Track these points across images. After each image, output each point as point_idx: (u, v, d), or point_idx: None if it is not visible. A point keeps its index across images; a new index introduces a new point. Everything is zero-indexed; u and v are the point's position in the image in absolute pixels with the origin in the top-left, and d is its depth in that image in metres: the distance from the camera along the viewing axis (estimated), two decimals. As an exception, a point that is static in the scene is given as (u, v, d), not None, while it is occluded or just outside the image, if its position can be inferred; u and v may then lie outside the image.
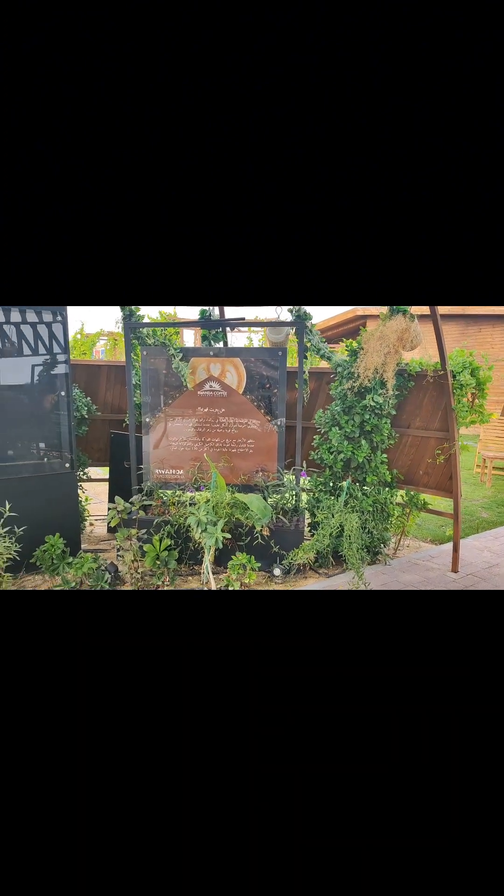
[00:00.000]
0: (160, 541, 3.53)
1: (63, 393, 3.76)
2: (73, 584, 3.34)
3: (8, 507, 3.38)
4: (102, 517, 4.93)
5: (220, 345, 4.49)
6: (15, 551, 3.32)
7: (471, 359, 3.87)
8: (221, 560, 3.83)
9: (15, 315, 3.54)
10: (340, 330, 13.20)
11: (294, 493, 4.07)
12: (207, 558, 3.47)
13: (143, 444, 4.25)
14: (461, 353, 4.00)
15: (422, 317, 3.96)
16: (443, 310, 7.04)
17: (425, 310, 3.90)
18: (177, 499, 4.07)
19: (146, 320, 4.35)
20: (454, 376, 3.86)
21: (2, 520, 3.34)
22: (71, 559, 3.45)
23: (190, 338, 9.93)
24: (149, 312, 7.08)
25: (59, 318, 3.71)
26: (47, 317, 3.66)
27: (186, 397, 4.20)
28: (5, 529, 3.33)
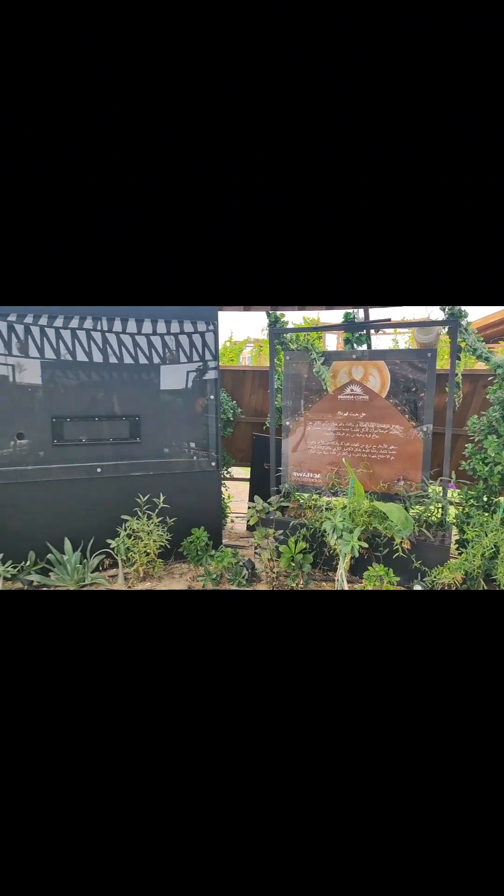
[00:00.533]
0: (295, 543, 3.55)
1: (212, 397, 4.03)
2: (214, 575, 3.55)
3: (162, 498, 3.74)
4: (242, 515, 5.17)
5: (364, 347, 4.35)
6: (167, 540, 3.65)
7: None
8: (357, 569, 3.71)
9: (174, 326, 3.90)
10: (497, 330, 11.87)
11: (440, 505, 3.74)
12: (342, 565, 3.39)
13: (282, 446, 4.33)
14: None
15: None
16: None
17: None
18: (313, 503, 4.06)
19: (290, 326, 4.42)
20: None
21: (157, 510, 3.70)
22: (213, 552, 3.67)
23: (332, 342, 9.86)
24: (293, 318, 7.21)
25: (211, 327, 3.98)
26: (201, 326, 3.96)
27: (326, 401, 4.16)
28: (159, 519, 3.69)
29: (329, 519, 3.51)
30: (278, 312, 4.39)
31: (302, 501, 4.17)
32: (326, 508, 3.92)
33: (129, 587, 3.58)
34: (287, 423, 4.26)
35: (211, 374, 4.12)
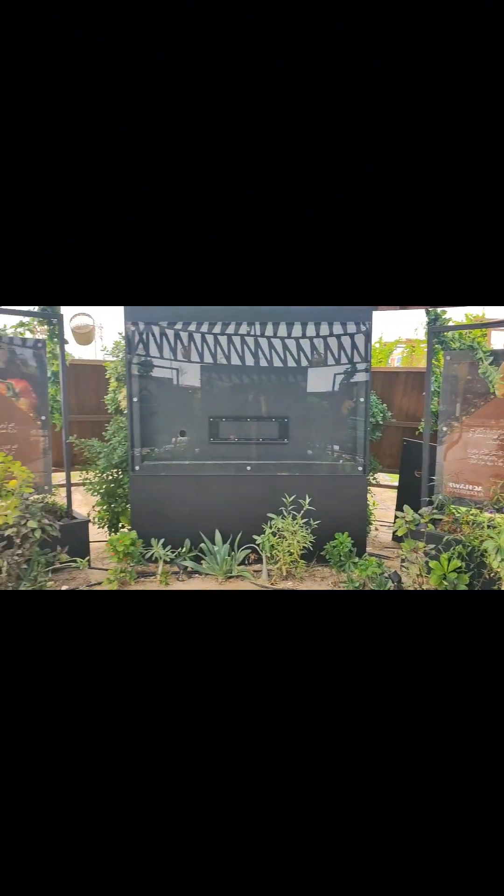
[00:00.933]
0: (449, 560, 3.24)
1: (362, 399, 3.89)
2: (357, 584, 3.43)
3: (307, 500, 3.74)
4: (387, 524, 4.92)
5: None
6: (310, 542, 3.65)
7: None
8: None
9: (324, 328, 3.87)
10: None
11: None
12: (507, 592, 2.97)
13: (436, 454, 4.00)
14: None
15: None
16: None
17: None
18: (472, 518, 3.66)
19: (451, 324, 4.06)
20: None
21: (302, 511, 3.72)
22: (357, 559, 3.54)
23: (500, 342, 8.83)
24: (454, 315, 6.59)
25: (363, 328, 3.86)
26: (351, 328, 3.86)
27: (493, 406, 3.72)
28: (304, 521, 3.70)
29: (492, 538, 3.12)
30: (439, 309, 4.05)
31: (458, 515, 3.79)
32: (489, 526, 3.50)
33: (273, 584, 3.67)
34: (444, 428, 3.92)
35: (361, 377, 3.99)
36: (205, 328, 3.79)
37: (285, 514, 3.81)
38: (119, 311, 3.86)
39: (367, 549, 4.37)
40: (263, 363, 3.86)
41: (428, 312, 3.93)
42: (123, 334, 3.84)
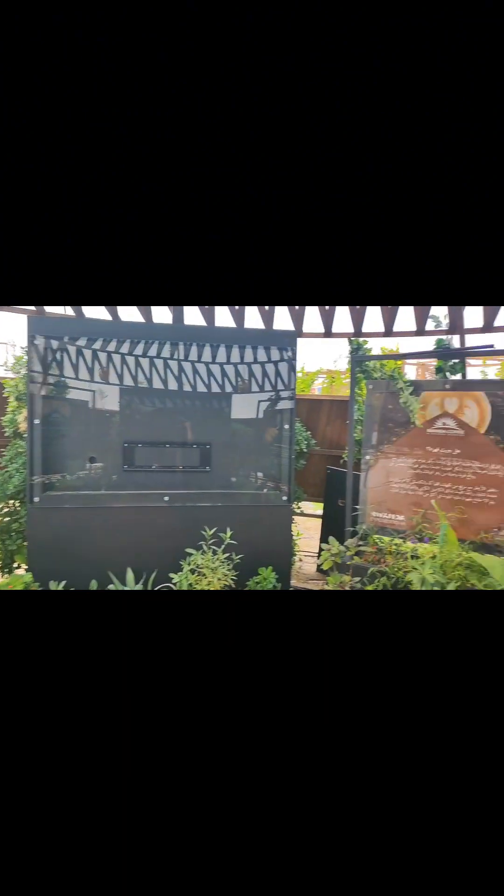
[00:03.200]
0: (379, 596, 3.05)
1: (287, 426, 3.69)
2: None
3: (229, 534, 3.40)
4: (311, 554, 4.71)
5: (459, 376, 3.85)
6: (232, 578, 3.29)
7: None
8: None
9: (248, 353, 3.65)
10: None
11: None
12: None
13: (360, 482, 3.87)
14: None
15: None
16: None
17: None
18: (395, 548, 3.55)
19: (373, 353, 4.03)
20: None
21: (223, 546, 3.37)
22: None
23: (412, 374, 9.30)
24: (375, 346, 6.80)
25: (287, 354, 3.69)
26: (276, 354, 3.67)
27: (414, 435, 3.69)
28: (225, 555, 3.35)
29: (416, 569, 2.99)
30: (360, 339, 4.02)
31: (382, 545, 3.66)
32: (412, 556, 3.39)
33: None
34: (367, 457, 3.82)
35: (286, 404, 3.81)
36: (125, 348, 3.40)
37: (205, 548, 3.44)
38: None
39: (292, 581, 4.10)
40: (184, 386, 3.53)
41: (350, 342, 3.88)
42: (26, 349, 3.33)
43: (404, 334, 4.47)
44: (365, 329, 4.69)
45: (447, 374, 4.02)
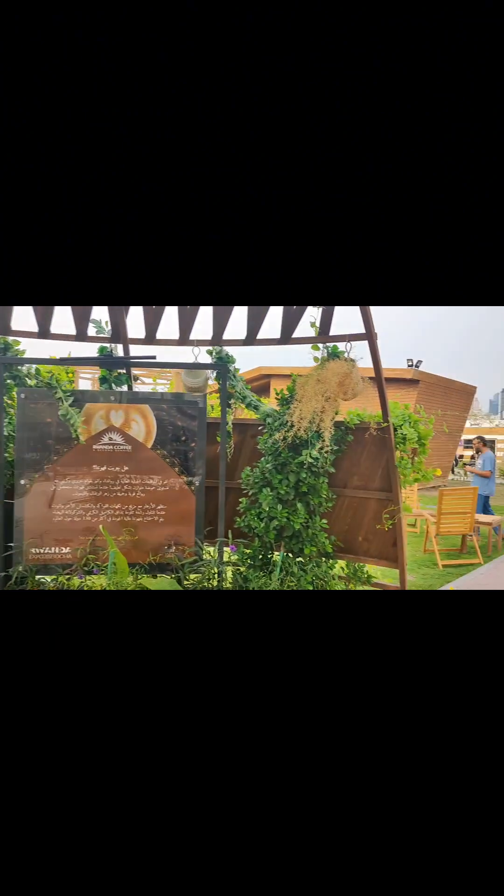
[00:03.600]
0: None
1: None
2: None
3: None
4: None
5: (125, 388, 3.56)
6: None
7: (409, 412, 3.40)
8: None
9: None
10: (253, 386, 13.02)
11: (216, 570, 3.11)
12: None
13: (14, 512, 3.05)
14: (396, 405, 3.52)
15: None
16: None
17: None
18: (59, 588, 2.90)
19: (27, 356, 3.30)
20: (395, 430, 3.33)
21: None
22: None
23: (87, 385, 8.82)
24: (31, 348, 5.72)
25: None
26: None
27: (77, 452, 3.21)
28: None
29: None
30: (10, 338, 3.23)
31: (44, 585, 2.95)
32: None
33: None
34: (23, 481, 3.04)
35: None
36: None
37: None
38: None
39: None
40: None
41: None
42: None
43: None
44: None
45: (112, 384, 3.69)
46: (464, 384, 15.63)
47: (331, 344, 3.73)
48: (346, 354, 3.63)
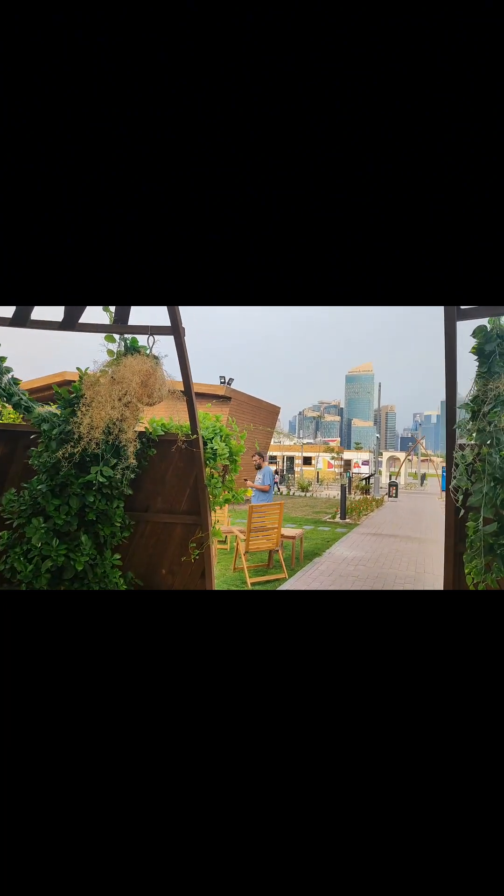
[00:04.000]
0: None
1: None
2: None
3: None
4: None
5: None
6: None
7: (220, 423, 2.98)
8: None
9: None
10: (39, 396, 11.31)
11: None
12: None
13: None
14: (207, 416, 3.08)
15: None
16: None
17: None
18: None
19: None
20: (205, 443, 2.86)
21: None
22: None
23: None
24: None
25: None
26: None
27: None
28: None
29: None
30: None
31: None
32: None
33: None
34: None
35: None
36: None
37: None
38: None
39: None
40: None
41: None
42: None
43: None
44: None
45: None
46: (270, 404, 16.78)
47: (129, 336, 3.12)
48: (148, 350, 3.05)
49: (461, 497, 2.60)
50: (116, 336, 3.01)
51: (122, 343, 2.96)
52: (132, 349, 2.95)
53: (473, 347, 2.53)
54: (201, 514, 3.20)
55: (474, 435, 2.54)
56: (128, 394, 2.77)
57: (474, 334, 2.56)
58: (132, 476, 3.03)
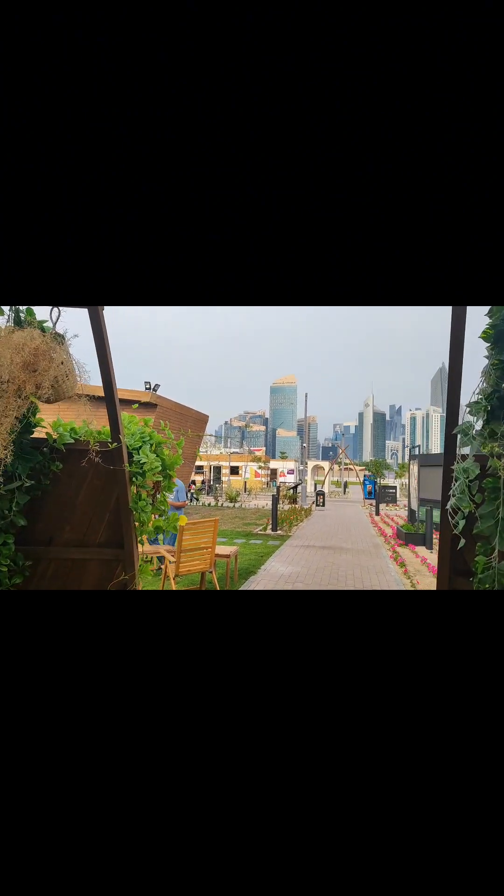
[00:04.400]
0: None
1: None
2: None
3: None
4: None
5: None
6: None
7: (150, 429, 2.32)
8: None
9: None
10: None
11: None
12: None
13: None
14: (133, 420, 2.40)
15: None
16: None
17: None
18: None
19: None
20: (130, 454, 2.16)
21: None
22: None
23: None
24: None
25: None
26: None
27: None
28: None
29: None
30: None
31: None
32: None
33: None
34: None
35: None
36: None
37: None
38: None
39: None
40: None
41: None
42: None
43: None
44: None
45: None
46: (198, 412, 16.04)
47: (24, 308, 2.31)
48: (51, 326, 2.26)
49: (460, 522, 2.05)
50: (5, 308, 2.21)
51: (11, 316, 2.16)
52: (23, 323, 2.16)
53: (486, 331, 2.00)
54: (125, 547, 2.46)
55: (486, 442, 1.96)
56: (5, 378, 1.95)
57: (490, 313, 2.01)
58: (25, 499, 2.23)
